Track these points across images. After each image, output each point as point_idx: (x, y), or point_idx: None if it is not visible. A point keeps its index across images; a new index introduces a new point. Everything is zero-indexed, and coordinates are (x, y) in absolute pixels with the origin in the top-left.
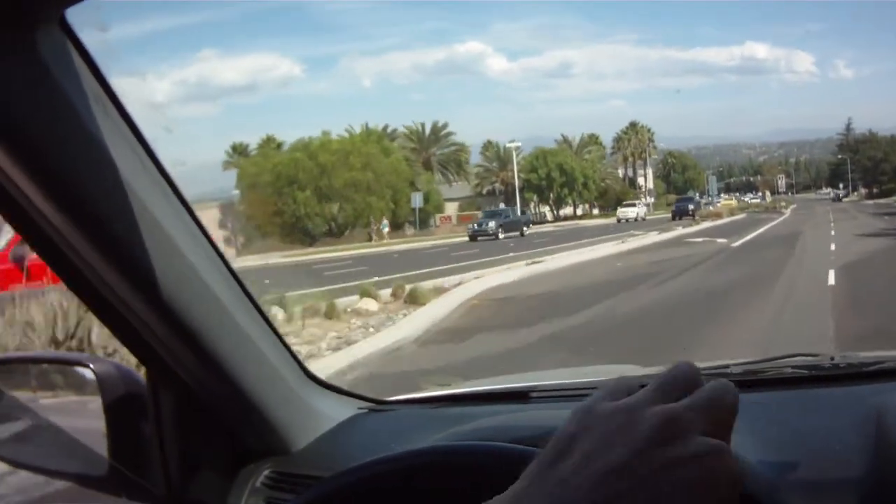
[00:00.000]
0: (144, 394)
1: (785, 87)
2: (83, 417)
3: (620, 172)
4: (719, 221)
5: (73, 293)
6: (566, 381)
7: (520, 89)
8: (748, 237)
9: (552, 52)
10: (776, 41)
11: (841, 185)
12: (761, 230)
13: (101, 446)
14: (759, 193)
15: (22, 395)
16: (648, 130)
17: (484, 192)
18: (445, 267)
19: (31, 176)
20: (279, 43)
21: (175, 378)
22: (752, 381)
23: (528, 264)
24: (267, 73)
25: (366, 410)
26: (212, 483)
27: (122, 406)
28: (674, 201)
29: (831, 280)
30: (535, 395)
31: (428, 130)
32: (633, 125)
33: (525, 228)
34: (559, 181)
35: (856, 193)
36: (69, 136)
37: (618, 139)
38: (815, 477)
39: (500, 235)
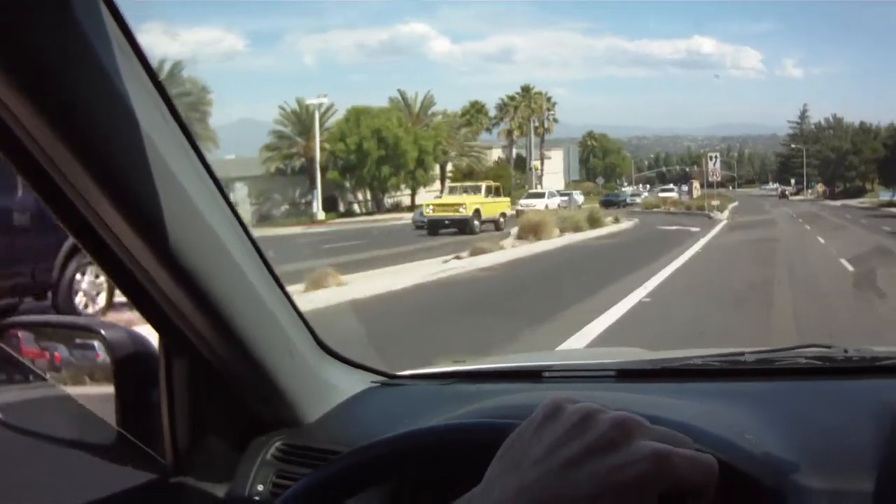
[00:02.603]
0: (155, 361)
1: (730, 83)
2: (92, 384)
3: (514, 151)
4: (506, 255)
5: (89, 255)
6: (578, 363)
7: (460, 73)
8: None
9: (496, 36)
10: (723, 37)
11: (792, 181)
12: None
13: (109, 414)
14: (685, 186)
15: (29, 360)
16: (548, 99)
17: (272, 169)
18: None
19: (53, 127)
20: (225, 16)
21: (189, 346)
22: (765, 369)
23: None
24: (211, 47)
25: (378, 384)
26: (220, 454)
27: (132, 373)
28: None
29: None
30: (548, 374)
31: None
32: (525, 89)
33: None
34: (375, 155)
35: (810, 190)
36: (94, 89)
37: (501, 107)
38: (827, 470)
39: None
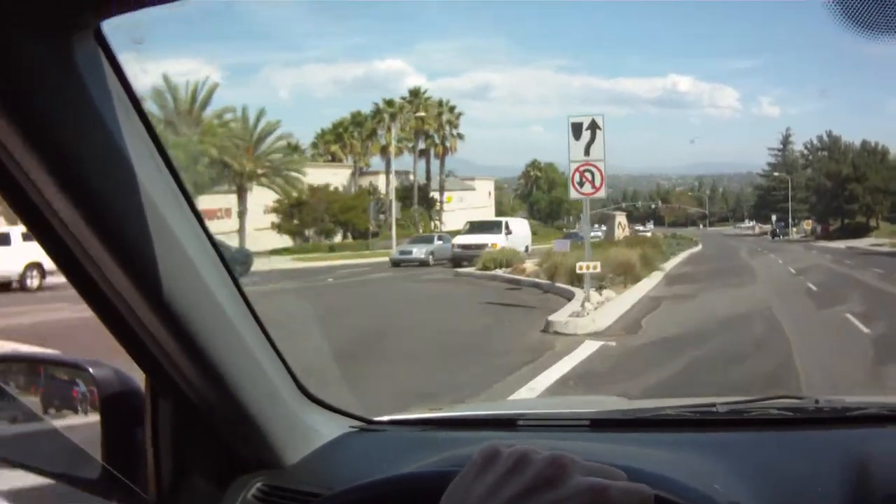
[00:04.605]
0: (141, 400)
1: (706, 122)
2: (79, 420)
3: (414, 179)
4: None
5: (81, 297)
6: (552, 412)
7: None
8: None
9: (472, 73)
10: (701, 75)
11: (773, 217)
12: None
13: (94, 450)
14: (599, 226)
15: (18, 394)
16: (451, 109)
17: None
18: None
19: (51, 175)
20: (204, 49)
21: (175, 387)
22: (737, 420)
23: None
24: (186, 78)
25: (356, 429)
26: (202, 492)
27: (118, 411)
28: None
29: None
30: (522, 423)
31: None
32: (414, 93)
33: None
34: None
35: (795, 228)
36: (92, 139)
37: (375, 114)
38: None
39: None
